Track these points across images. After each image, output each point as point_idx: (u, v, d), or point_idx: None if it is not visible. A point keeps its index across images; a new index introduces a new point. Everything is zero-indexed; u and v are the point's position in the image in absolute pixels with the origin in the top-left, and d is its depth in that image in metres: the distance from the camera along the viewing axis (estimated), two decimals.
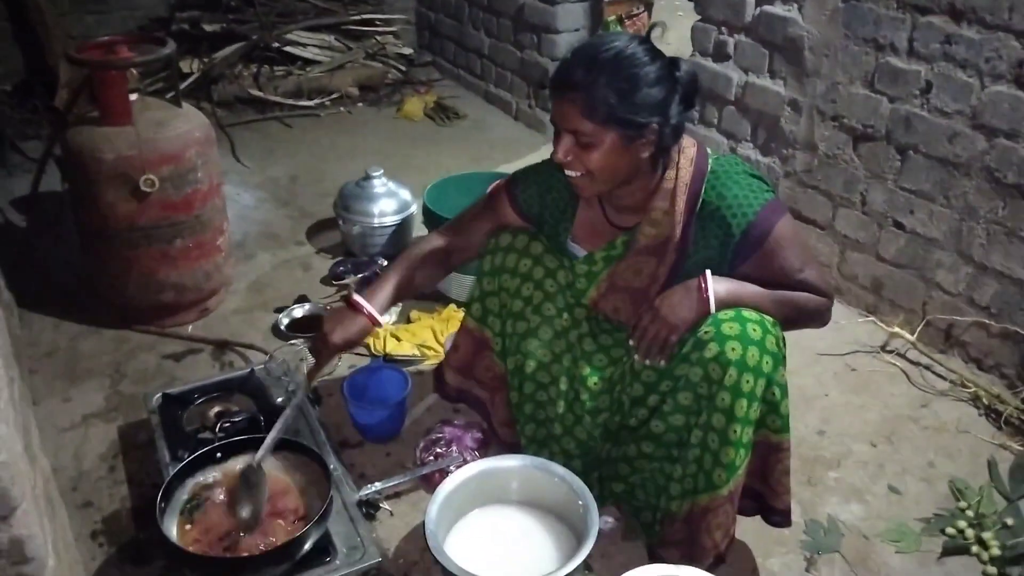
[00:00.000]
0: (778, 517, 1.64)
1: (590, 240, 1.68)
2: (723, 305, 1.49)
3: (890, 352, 2.38)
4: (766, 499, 1.63)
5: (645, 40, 1.49)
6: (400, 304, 2.50)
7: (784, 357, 1.52)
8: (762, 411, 1.50)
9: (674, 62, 1.48)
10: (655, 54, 1.47)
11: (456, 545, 1.66)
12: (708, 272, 1.52)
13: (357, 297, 1.68)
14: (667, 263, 1.58)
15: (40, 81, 3.84)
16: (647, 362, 1.56)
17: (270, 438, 1.63)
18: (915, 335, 2.34)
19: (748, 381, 1.44)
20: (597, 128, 1.43)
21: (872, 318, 2.47)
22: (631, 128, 1.44)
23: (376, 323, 1.67)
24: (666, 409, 1.57)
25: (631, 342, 1.58)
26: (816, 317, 1.58)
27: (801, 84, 2.54)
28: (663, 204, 1.55)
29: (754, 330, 1.45)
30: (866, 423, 2.13)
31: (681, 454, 1.56)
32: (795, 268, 1.53)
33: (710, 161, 1.56)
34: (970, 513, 1.84)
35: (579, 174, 1.50)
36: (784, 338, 1.52)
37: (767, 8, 2.60)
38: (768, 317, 1.49)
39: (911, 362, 2.35)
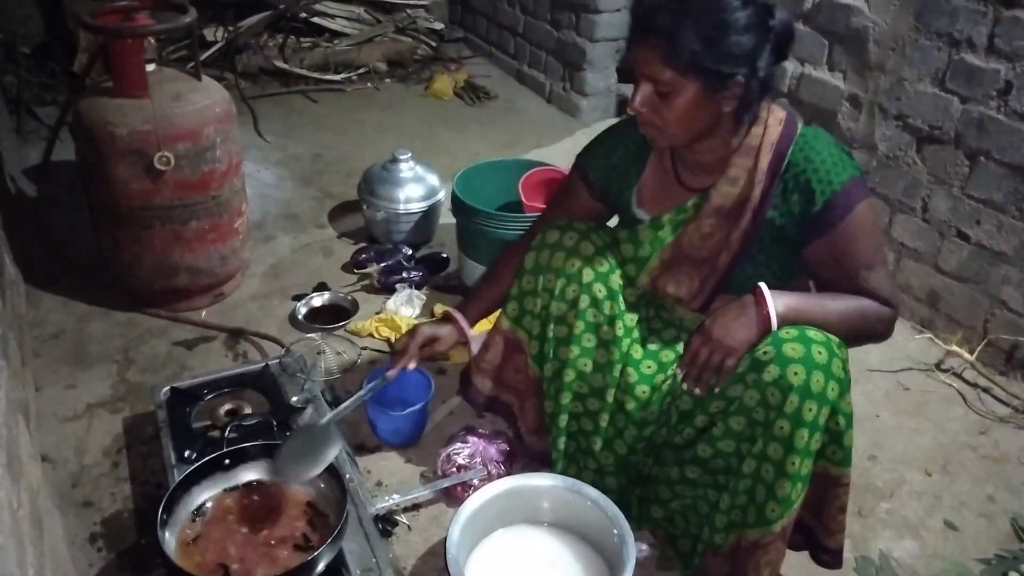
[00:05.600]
0: (828, 557, 1.50)
1: (658, 203, 1.54)
2: (785, 322, 1.35)
3: (945, 371, 2.23)
4: (817, 536, 1.49)
5: None
6: (424, 297, 2.37)
7: (850, 382, 1.37)
8: (822, 441, 1.35)
9: (768, 9, 1.34)
10: None
11: (478, 568, 1.54)
12: (763, 285, 1.37)
13: (453, 311, 1.74)
14: (741, 227, 1.43)
15: (60, 44, 3.72)
16: (696, 392, 1.41)
17: (346, 405, 1.61)
18: (974, 355, 2.18)
19: (811, 409, 1.30)
20: (677, 77, 1.31)
21: (928, 334, 2.31)
22: (715, 79, 1.32)
23: (464, 338, 1.72)
24: (715, 433, 1.43)
25: (676, 369, 1.44)
26: (880, 332, 1.43)
27: (863, 79, 2.37)
28: (745, 162, 1.42)
29: (819, 352, 1.31)
30: (920, 449, 1.98)
31: (730, 483, 1.42)
32: (864, 263, 1.38)
33: (799, 125, 1.43)
34: None
35: (654, 125, 1.38)
36: (847, 360, 1.38)
37: None
38: (834, 337, 1.34)
39: (968, 383, 2.19)
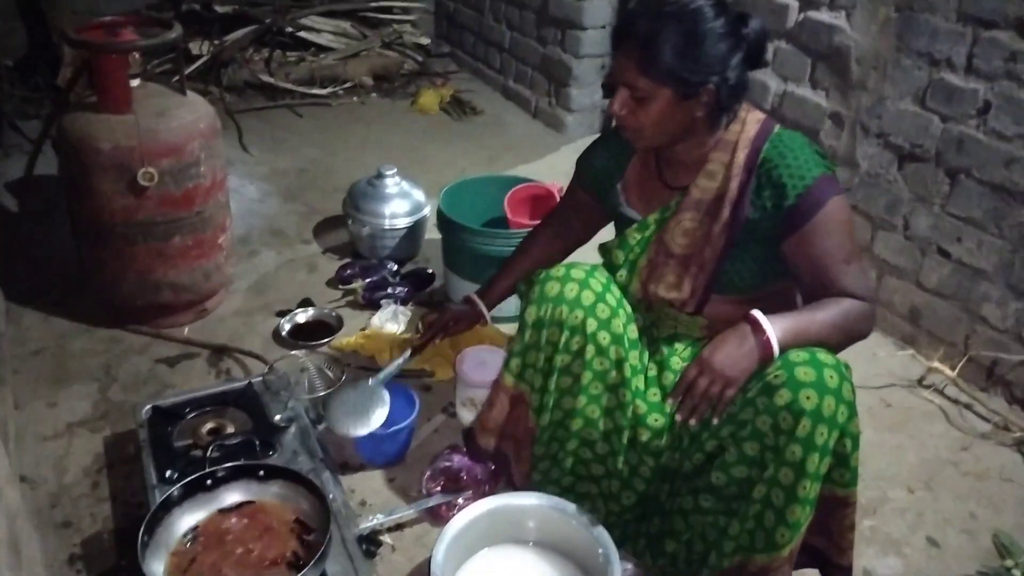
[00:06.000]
0: (839, 574, 1.50)
1: (645, 203, 1.60)
2: (784, 347, 1.35)
3: (927, 387, 2.24)
4: (828, 556, 1.49)
5: None
6: (409, 313, 2.36)
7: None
8: (829, 464, 1.35)
9: (742, 18, 1.41)
10: (721, 8, 1.40)
11: None
12: (757, 313, 1.37)
13: (473, 295, 1.89)
14: (721, 221, 1.47)
15: (43, 57, 3.70)
16: (692, 423, 1.40)
17: (389, 370, 1.82)
18: (956, 371, 2.19)
19: (822, 433, 1.30)
20: (651, 84, 1.39)
21: (910, 350, 2.33)
22: (686, 87, 1.39)
23: (484, 319, 1.88)
24: (729, 459, 1.41)
25: (670, 399, 1.44)
26: (865, 331, 1.44)
27: (845, 97, 2.39)
28: (723, 157, 1.48)
29: (831, 377, 1.31)
30: (903, 466, 1.99)
31: (739, 508, 1.41)
32: (838, 258, 1.40)
33: (777, 127, 1.49)
34: (1017, 572, 1.70)
35: (632, 128, 1.46)
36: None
37: (812, 14, 2.45)
38: (842, 360, 1.35)
39: (950, 399, 2.21)
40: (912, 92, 2.21)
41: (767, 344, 1.35)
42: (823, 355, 1.33)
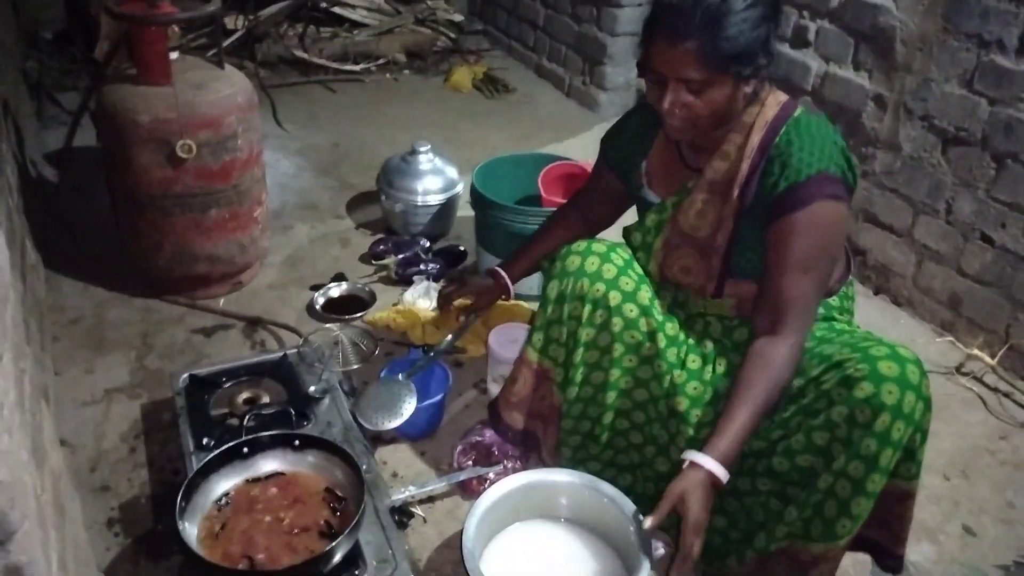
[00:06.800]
0: (894, 562, 1.50)
1: (665, 185, 1.58)
2: (729, 467, 1.34)
3: (966, 375, 2.21)
4: (884, 546, 1.48)
5: None
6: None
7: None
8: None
9: None
10: None
11: (493, 561, 1.54)
12: (700, 458, 1.34)
13: (497, 268, 1.88)
14: (731, 203, 1.43)
15: (81, 30, 3.73)
16: None
17: (420, 363, 1.86)
18: (996, 359, 2.16)
19: (899, 429, 1.28)
20: (713, 73, 1.33)
21: (949, 337, 2.29)
22: (749, 68, 1.34)
23: (507, 292, 1.86)
24: (795, 447, 1.39)
25: (660, 549, 1.42)
26: (790, 380, 1.39)
27: (889, 78, 2.34)
28: (738, 138, 1.44)
29: (913, 372, 1.29)
30: (939, 453, 1.97)
31: (796, 495, 1.40)
32: (800, 263, 1.36)
33: (799, 110, 1.43)
34: None
35: (686, 120, 1.39)
36: None
37: None
38: (919, 355, 1.33)
39: (989, 387, 2.17)
40: (959, 74, 2.16)
41: (712, 475, 1.33)
42: (903, 350, 1.32)
